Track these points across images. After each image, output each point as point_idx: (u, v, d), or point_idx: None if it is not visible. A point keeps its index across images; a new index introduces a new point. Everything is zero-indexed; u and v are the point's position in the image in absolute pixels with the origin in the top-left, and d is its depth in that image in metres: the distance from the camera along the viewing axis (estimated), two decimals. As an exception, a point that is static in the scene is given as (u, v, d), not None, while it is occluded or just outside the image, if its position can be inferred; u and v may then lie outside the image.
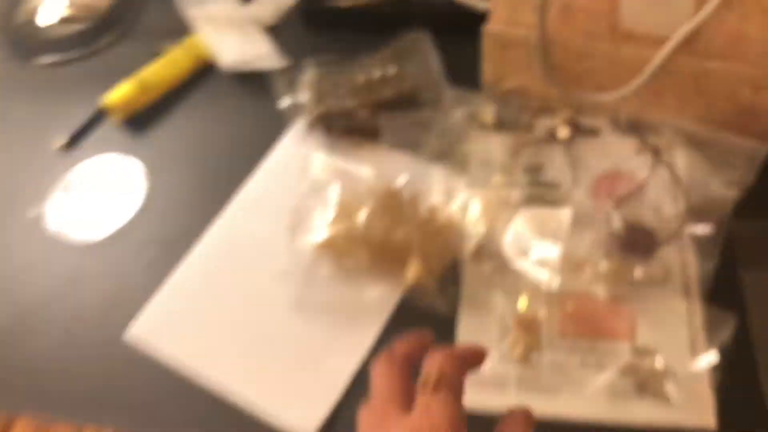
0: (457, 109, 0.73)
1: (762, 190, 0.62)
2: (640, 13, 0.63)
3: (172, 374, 0.61)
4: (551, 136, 0.71)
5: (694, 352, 0.57)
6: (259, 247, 0.68)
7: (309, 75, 0.75)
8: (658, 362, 0.56)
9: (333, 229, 0.64)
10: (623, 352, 0.58)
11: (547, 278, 0.61)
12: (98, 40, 0.88)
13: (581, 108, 0.71)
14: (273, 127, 0.75)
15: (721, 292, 0.60)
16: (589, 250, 0.63)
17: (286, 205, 0.67)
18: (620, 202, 0.64)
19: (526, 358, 0.58)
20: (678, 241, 0.62)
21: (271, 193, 0.71)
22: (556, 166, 0.69)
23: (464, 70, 0.75)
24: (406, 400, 0.39)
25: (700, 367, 0.56)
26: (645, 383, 0.56)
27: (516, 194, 0.67)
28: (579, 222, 0.65)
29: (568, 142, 0.70)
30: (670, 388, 0.55)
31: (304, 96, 0.73)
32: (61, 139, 0.78)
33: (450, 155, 0.70)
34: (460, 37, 0.78)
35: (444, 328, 0.61)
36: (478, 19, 0.70)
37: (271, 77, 0.77)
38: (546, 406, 0.56)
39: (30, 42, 0.90)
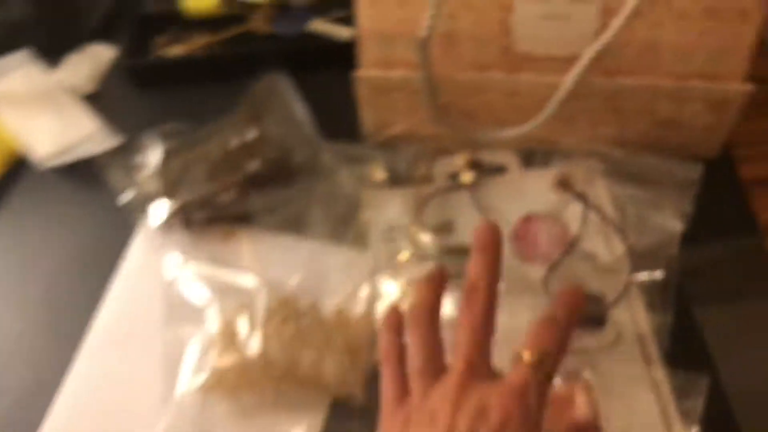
0: (340, 170, 0.61)
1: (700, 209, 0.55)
2: (537, 33, 0.53)
3: None
4: (454, 183, 0.61)
5: (668, 427, 0.49)
6: (130, 397, 0.53)
7: (152, 157, 0.60)
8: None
9: (220, 363, 0.51)
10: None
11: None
12: None
13: (482, 146, 0.61)
14: (117, 230, 0.60)
15: (682, 346, 0.52)
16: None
17: (154, 335, 0.54)
18: (553, 265, 0.54)
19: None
20: (625, 295, 0.53)
21: (132, 323, 0.56)
22: (467, 219, 0.59)
23: (338, 116, 0.63)
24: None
25: None
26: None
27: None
28: (513, 288, 0.55)
29: (475, 187, 0.60)
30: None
31: (150, 185, 0.58)
32: None
33: (343, 229, 0.58)
34: (326, 75, 0.66)
35: None
36: (344, 50, 0.58)
37: (104, 164, 0.61)
38: None
39: None
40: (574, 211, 0.57)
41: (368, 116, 0.61)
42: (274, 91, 0.64)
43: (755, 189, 0.58)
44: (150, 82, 0.70)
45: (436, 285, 0.40)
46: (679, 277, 0.53)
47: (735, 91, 0.53)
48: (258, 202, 0.59)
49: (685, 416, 0.49)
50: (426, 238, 0.57)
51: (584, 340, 0.52)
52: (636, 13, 0.50)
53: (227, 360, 0.50)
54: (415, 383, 0.37)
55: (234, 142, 0.60)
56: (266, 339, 0.50)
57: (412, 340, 0.38)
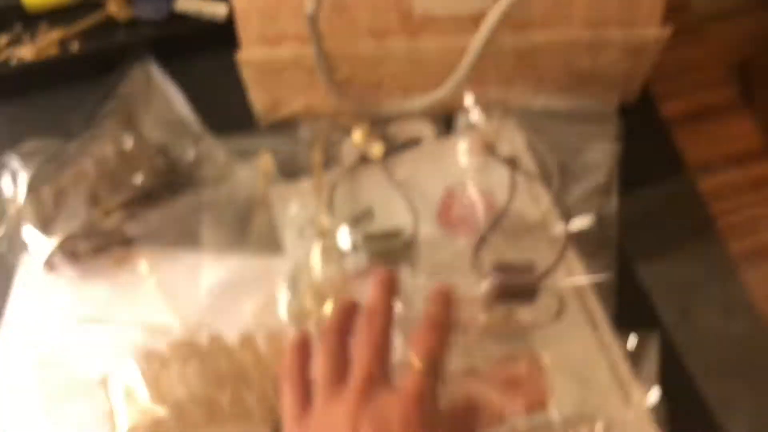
0: (235, 167, 0.54)
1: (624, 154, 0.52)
2: (435, -9, 0.48)
3: None
4: (363, 159, 0.55)
5: (626, 393, 0.47)
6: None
7: (16, 185, 0.52)
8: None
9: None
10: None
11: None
12: None
13: (390, 119, 0.56)
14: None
15: (627, 304, 0.49)
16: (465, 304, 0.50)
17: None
18: (481, 238, 0.50)
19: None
20: (561, 261, 0.50)
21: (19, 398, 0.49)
22: (385, 202, 0.54)
23: (224, 104, 0.57)
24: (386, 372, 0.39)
25: (640, 411, 0.46)
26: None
27: (357, 262, 0.51)
28: (445, 265, 0.51)
29: (387, 162, 0.55)
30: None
31: (21, 219, 0.50)
32: None
33: (249, 236, 0.52)
34: (204, 60, 0.59)
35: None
36: (220, 29, 0.52)
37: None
38: None
39: None
40: (496, 174, 0.53)
41: (258, 99, 0.55)
42: (146, 85, 0.57)
43: (678, 126, 0.56)
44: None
45: (349, 308, 0.42)
46: (613, 227, 0.50)
47: (652, 36, 0.50)
48: (149, 221, 0.52)
49: (642, 379, 0.47)
50: (343, 229, 0.52)
51: (528, 314, 0.49)
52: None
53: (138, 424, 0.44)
54: (318, 395, 0.39)
55: (110, 155, 0.52)
56: (170, 388, 0.44)
57: (322, 350, 0.40)
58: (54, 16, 0.63)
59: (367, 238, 0.51)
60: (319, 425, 0.37)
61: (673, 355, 0.48)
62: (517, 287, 0.47)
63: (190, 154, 0.54)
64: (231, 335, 0.48)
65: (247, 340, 0.48)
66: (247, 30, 0.51)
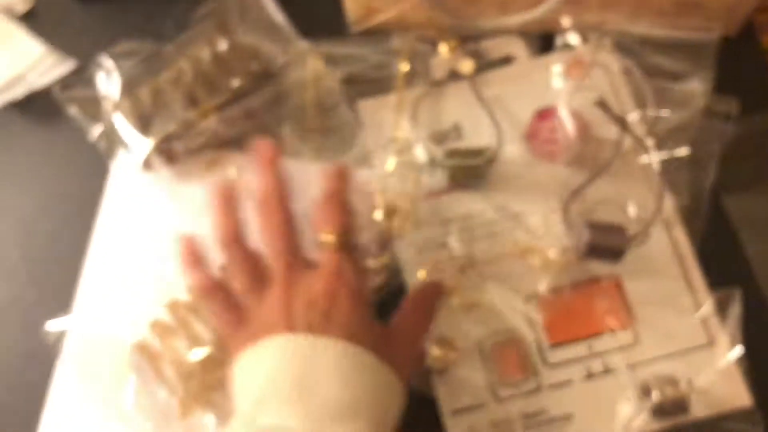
0: (327, 74, 0.54)
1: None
2: None
3: None
4: (452, 75, 0.55)
5: (710, 337, 0.48)
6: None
7: (113, 84, 0.53)
8: (682, 386, 0.46)
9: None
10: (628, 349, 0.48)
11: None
12: None
13: (484, 34, 0.55)
14: (90, 171, 0.54)
15: (713, 237, 0.49)
16: (543, 228, 0.50)
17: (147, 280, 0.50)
18: (574, 193, 0.50)
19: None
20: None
21: (123, 272, 0.52)
22: (472, 120, 0.54)
23: (317, 8, 0.56)
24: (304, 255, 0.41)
25: (725, 363, 0.47)
26: (667, 408, 0.46)
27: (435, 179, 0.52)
28: (527, 189, 0.52)
29: (477, 80, 0.54)
30: (697, 398, 0.46)
31: (118, 118, 0.52)
32: None
33: (339, 145, 0.53)
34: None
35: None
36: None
37: (61, 96, 0.54)
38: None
39: None
40: (588, 98, 0.53)
41: (352, 5, 0.54)
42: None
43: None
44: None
45: (231, 212, 0.43)
46: (709, 159, 0.50)
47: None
48: (241, 124, 0.53)
49: (729, 333, 0.47)
50: (425, 144, 0.52)
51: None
52: None
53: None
54: (247, 301, 0.40)
55: (206, 58, 0.52)
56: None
57: (230, 263, 0.42)
58: None
59: (449, 154, 0.51)
60: (257, 323, 0.39)
61: (758, 298, 0.49)
62: (606, 248, 0.47)
63: (281, 59, 0.54)
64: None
65: None
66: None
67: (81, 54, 0.56)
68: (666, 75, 0.52)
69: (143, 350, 0.47)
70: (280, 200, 0.42)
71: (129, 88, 0.52)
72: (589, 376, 0.47)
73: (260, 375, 0.37)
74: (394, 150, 0.52)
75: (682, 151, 0.50)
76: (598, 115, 0.52)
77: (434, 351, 0.47)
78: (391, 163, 0.52)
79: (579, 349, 0.48)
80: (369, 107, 0.54)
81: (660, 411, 0.45)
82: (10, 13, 0.57)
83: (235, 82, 0.52)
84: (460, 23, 0.54)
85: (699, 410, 0.46)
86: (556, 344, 0.48)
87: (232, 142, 0.53)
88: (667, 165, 0.50)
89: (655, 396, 0.45)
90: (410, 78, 0.54)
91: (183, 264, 0.43)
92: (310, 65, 0.54)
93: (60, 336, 0.49)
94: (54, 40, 0.57)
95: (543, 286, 0.49)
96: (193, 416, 0.46)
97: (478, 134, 0.53)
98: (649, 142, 0.50)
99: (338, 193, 0.43)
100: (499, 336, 0.48)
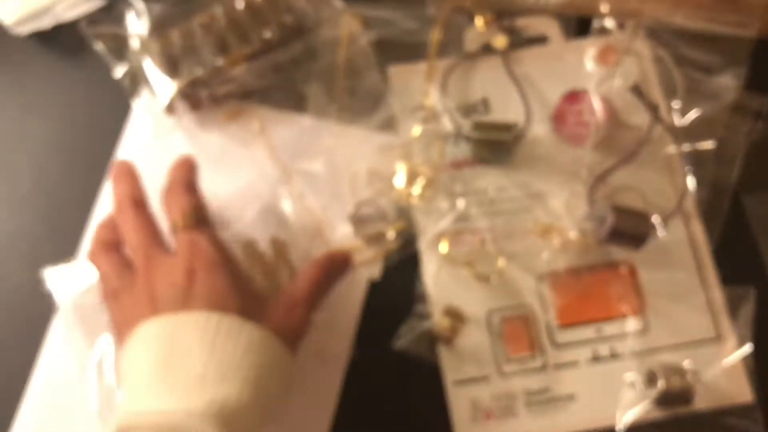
0: (359, 35, 0.54)
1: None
2: None
3: None
4: (485, 49, 0.55)
5: (719, 335, 0.48)
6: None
7: (141, 23, 0.52)
8: (689, 376, 0.46)
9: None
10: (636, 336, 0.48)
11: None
12: None
13: (520, 11, 0.54)
14: (111, 109, 0.53)
15: (730, 235, 0.50)
16: (564, 208, 0.50)
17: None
18: (599, 177, 0.50)
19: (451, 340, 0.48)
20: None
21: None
22: (501, 94, 0.53)
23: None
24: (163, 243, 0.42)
25: (732, 359, 0.47)
26: (671, 398, 0.46)
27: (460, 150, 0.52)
28: (549, 170, 0.51)
29: (507, 56, 0.54)
30: (700, 390, 0.46)
31: (146, 58, 0.51)
32: None
33: (366, 108, 0.53)
34: None
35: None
36: None
37: (88, 31, 0.53)
38: (568, 421, 0.46)
39: None
40: (618, 84, 0.52)
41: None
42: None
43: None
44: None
45: (104, 230, 0.44)
46: (735, 155, 0.50)
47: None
48: (272, 77, 0.52)
49: (738, 330, 0.48)
50: (452, 114, 0.52)
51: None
52: None
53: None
54: (118, 291, 0.41)
55: (240, 6, 0.52)
56: None
57: (98, 268, 0.43)
58: None
59: (477, 126, 0.51)
60: (129, 315, 0.40)
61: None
62: (628, 234, 0.47)
63: (315, 15, 0.53)
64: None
65: (279, 246, 0.49)
66: None
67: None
68: (698, 68, 0.52)
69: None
70: (133, 203, 0.43)
71: (159, 29, 0.52)
72: (596, 359, 0.47)
73: (130, 365, 0.38)
74: (420, 118, 0.52)
75: (708, 145, 0.50)
76: (626, 102, 0.52)
77: (442, 321, 0.47)
78: (416, 130, 0.52)
79: (588, 332, 0.48)
80: (399, 73, 0.54)
81: (663, 400, 0.45)
82: (42, -57, 0.56)
83: (267, 34, 0.51)
84: (498, -2, 0.54)
85: (701, 402, 0.46)
86: (566, 325, 0.48)
87: (257, 95, 0.53)
88: (692, 158, 0.50)
89: (661, 384, 0.45)
90: (443, 47, 0.54)
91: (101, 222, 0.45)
92: (344, 25, 0.53)
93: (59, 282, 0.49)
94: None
95: (559, 266, 0.49)
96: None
97: (506, 110, 0.53)
98: (677, 132, 0.50)
99: (179, 179, 0.44)
100: (509, 311, 0.48)
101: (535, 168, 0.52)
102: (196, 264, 0.39)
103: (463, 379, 0.47)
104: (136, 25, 0.53)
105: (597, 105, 0.51)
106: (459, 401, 0.47)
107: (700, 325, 0.48)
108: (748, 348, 0.47)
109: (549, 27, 0.55)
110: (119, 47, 0.52)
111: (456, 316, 0.48)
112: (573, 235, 0.49)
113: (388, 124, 0.52)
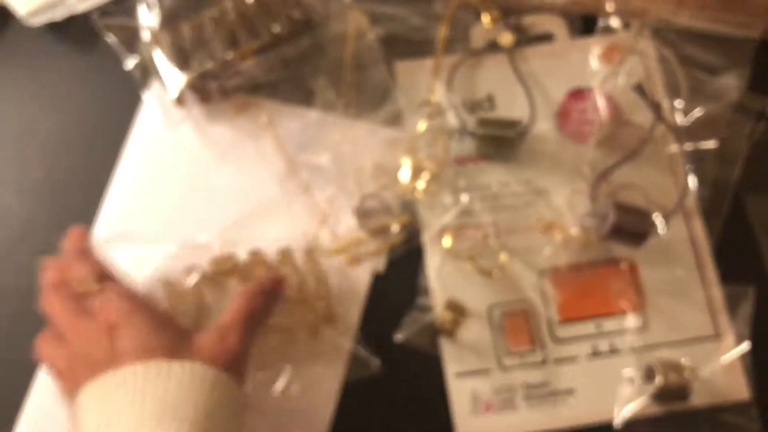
0: (367, 32, 0.54)
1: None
2: None
3: None
4: (491, 46, 0.55)
5: (717, 334, 0.49)
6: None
7: (153, 16, 0.53)
8: (686, 372, 0.47)
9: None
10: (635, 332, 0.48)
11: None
12: None
13: (526, 9, 0.55)
14: (121, 100, 0.54)
15: (730, 236, 0.50)
16: (566, 205, 0.51)
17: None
18: (602, 175, 0.50)
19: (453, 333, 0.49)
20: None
21: (143, 210, 0.52)
22: (506, 91, 0.54)
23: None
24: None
25: (730, 356, 0.48)
26: (668, 393, 0.46)
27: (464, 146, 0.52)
28: (552, 167, 0.52)
29: (513, 53, 0.55)
30: (697, 387, 0.47)
31: (157, 51, 0.52)
32: None
33: (373, 104, 0.53)
34: None
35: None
36: None
37: (101, 23, 0.54)
38: (567, 415, 0.47)
39: None
40: (622, 83, 0.53)
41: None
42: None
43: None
44: None
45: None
46: (737, 154, 0.50)
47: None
48: (280, 71, 0.53)
49: (737, 329, 0.48)
50: (457, 110, 0.52)
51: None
52: None
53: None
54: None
55: (250, 1, 0.52)
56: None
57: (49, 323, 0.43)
58: None
59: (482, 123, 0.51)
60: (70, 360, 0.40)
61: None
62: (629, 231, 0.48)
63: (324, 10, 0.54)
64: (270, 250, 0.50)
65: (285, 254, 0.49)
66: None
67: (123, -17, 0.56)
68: (701, 67, 0.52)
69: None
70: (54, 283, 0.43)
71: (170, 21, 0.52)
72: (595, 354, 0.48)
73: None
74: (426, 113, 0.53)
75: (710, 144, 0.50)
76: (629, 100, 0.52)
77: (444, 314, 0.48)
78: (422, 125, 0.52)
79: (588, 328, 0.49)
80: (405, 69, 0.54)
81: (661, 395, 0.46)
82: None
83: (276, 28, 0.52)
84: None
85: (698, 399, 0.47)
86: (566, 320, 0.49)
87: (265, 88, 0.54)
88: (694, 157, 0.50)
89: (659, 380, 0.46)
90: (449, 44, 0.54)
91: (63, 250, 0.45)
92: (352, 20, 0.54)
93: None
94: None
95: (560, 262, 0.49)
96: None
97: (511, 107, 0.53)
98: (680, 131, 0.51)
99: (71, 250, 0.45)
100: (511, 306, 0.49)
101: (539, 164, 0.52)
102: (112, 320, 0.40)
103: (463, 371, 0.48)
104: (148, 17, 0.53)
105: (601, 103, 0.52)
106: (459, 393, 0.47)
107: (698, 322, 0.48)
108: (745, 346, 0.47)
109: (555, 25, 0.55)
110: (130, 39, 0.53)
111: (458, 309, 0.49)
112: (575, 231, 0.49)
113: (394, 119, 0.53)
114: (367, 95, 0.54)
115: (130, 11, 0.54)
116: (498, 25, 0.55)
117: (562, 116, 0.53)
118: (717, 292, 0.49)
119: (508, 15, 0.55)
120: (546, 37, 0.55)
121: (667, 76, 0.53)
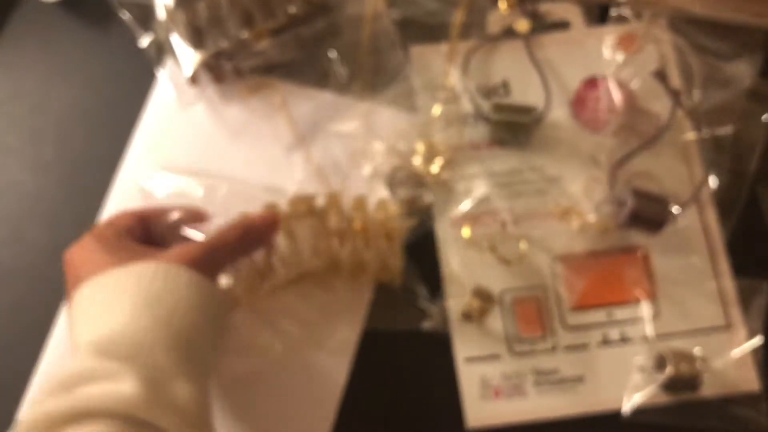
0: (383, 14, 0.54)
1: None
2: None
3: None
4: (507, 32, 0.55)
5: (729, 325, 0.48)
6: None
7: (170, -4, 0.53)
8: (697, 363, 0.46)
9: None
10: (647, 321, 0.48)
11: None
12: None
13: (544, -3, 0.55)
14: (135, 78, 0.54)
15: (744, 227, 0.50)
16: (582, 192, 0.51)
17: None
18: (620, 162, 0.50)
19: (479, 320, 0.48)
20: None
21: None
22: (521, 77, 0.54)
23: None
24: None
25: (742, 350, 0.48)
26: (678, 383, 0.46)
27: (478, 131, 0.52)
28: (567, 154, 0.52)
29: (529, 40, 0.54)
30: (707, 378, 0.47)
31: (172, 29, 0.51)
32: None
33: (388, 86, 0.53)
34: None
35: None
36: None
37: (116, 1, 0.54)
38: (576, 402, 0.47)
39: None
40: (637, 71, 0.53)
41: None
42: None
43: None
44: None
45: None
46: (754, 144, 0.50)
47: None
48: (295, 52, 0.53)
49: (750, 322, 0.48)
50: (472, 95, 0.52)
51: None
52: None
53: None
54: None
55: (267, -20, 0.52)
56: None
57: None
58: None
59: (497, 108, 0.51)
60: None
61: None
62: (648, 218, 0.48)
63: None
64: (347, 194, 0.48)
65: (359, 202, 0.48)
66: None
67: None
68: (714, 55, 0.52)
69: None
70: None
71: (186, 2, 0.52)
72: (606, 342, 0.48)
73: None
74: (440, 98, 0.53)
75: (726, 130, 0.50)
76: (645, 89, 0.52)
77: (472, 301, 0.48)
78: (436, 110, 0.52)
79: (599, 315, 0.48)
80: (421, 53, 0.54)
81: (671, 385, 0.46)
82: None
83: (292, 9, 0.52)
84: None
85: (707, 389, 0.47)
86: (578, 308, 0.48)
87: (280, 69, 0.53)
88: (710, 146, 0.50)
89: (669, 370, 0.46)
90: (465, 29, 0.54)
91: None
92: (368, 3, 0.54)
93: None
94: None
95: (575, 249, 0.49)
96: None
97: (526, 94, 0.53)
98: (698, 118, 0.51)
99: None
100: (523, 291, 0.49)
101: (553, 152, 0.52)
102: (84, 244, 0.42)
103: (474, 356, 0.48)
104: (163, -4, 0.53)
105: (616, 91, 0.52)
106: (469, 378, 0.47)
107: (710, 313, 0.48)
108: (758, 340, 0.47)
109: (571, 13, 0.55)
110: (145, 17, 0.53)
111: (486, 297, 0.48)
112: (592, 217, 0.49)
113: (409, 103, 0.53)
114: (382, 78, 0.53)
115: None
116: (514, 11, 0.55)
117: (578, 104, 0.53)
118: (729, 283, 0.49)
119: (524, 1, 0.55)
120: (562, 25, 0.55)
121: (681, 64, 0.53)
